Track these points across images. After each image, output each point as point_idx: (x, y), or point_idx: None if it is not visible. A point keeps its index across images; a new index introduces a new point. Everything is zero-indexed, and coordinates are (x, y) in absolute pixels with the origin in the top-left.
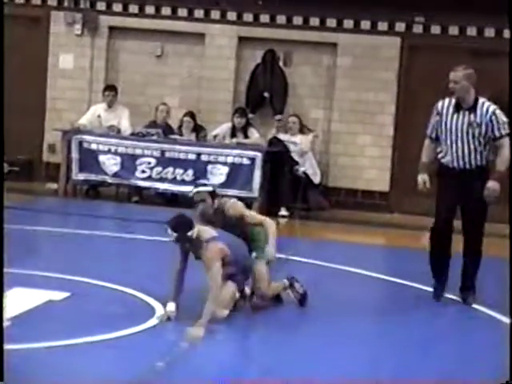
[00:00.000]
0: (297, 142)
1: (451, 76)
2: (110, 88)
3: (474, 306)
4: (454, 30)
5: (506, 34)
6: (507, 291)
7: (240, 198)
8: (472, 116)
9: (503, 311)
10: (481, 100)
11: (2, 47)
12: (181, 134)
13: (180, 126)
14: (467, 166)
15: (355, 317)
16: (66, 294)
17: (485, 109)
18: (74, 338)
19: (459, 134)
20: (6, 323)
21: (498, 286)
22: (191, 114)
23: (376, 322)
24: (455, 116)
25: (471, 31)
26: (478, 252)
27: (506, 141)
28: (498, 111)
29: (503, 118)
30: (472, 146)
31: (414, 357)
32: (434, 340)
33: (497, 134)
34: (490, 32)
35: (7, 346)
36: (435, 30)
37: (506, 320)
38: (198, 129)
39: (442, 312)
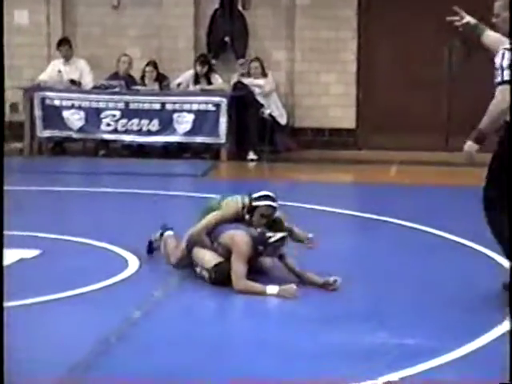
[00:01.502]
0: (261, 85)
1: (494, 8)
2: (64, 42)
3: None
4: None
5: None
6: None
7: (207, 144)
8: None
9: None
10: None
11: (1, 46)
12: (144, 85)
13: (142, 77)
14: None
15: (335, 256)
16: (37, 252)
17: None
18: (47, 294)
19: None
20: None
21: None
22: (153, 64)
23: (357, 261)
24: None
25: None
26: None
27: (500, 89)
28: (503, 50)
29: (505, 61)
30: None
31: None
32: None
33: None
34: None
35: None
36: None
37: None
38: (160, 78)
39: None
